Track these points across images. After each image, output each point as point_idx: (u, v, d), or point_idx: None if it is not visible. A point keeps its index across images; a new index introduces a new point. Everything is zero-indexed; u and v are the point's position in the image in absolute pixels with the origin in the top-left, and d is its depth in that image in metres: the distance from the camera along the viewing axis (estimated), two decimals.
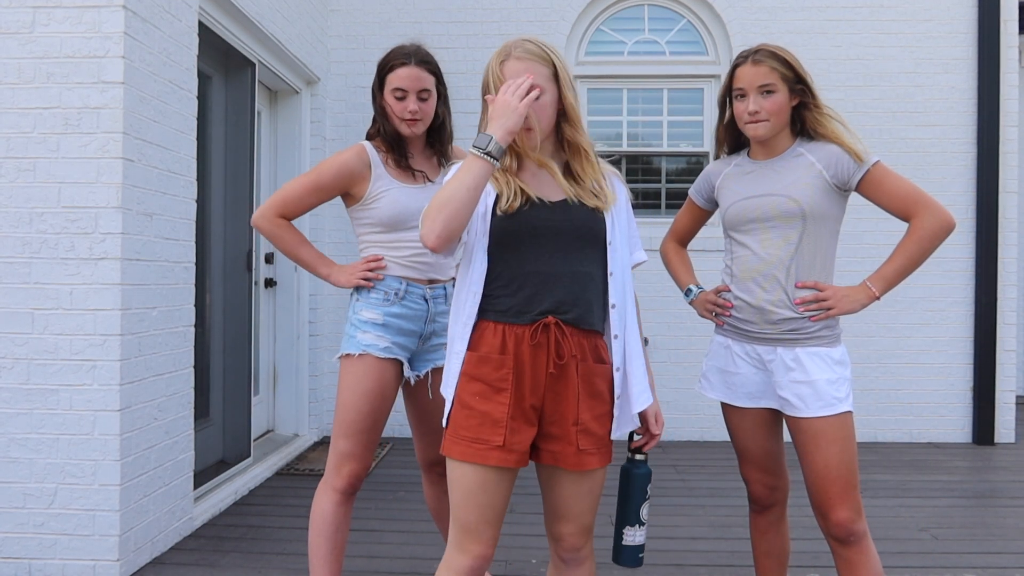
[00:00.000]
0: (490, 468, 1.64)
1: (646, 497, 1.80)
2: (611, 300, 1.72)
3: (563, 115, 1.73)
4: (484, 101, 1.72)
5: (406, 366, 2.30)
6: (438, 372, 2.35)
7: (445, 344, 2.36)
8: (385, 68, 2.28)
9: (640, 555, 1.82)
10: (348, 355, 2.25)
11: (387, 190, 2.25)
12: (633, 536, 1.80)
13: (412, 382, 2.34)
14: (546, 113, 1.69)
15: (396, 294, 2.26)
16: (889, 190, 1.98)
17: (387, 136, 2.29)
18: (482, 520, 1.66)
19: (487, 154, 1.58)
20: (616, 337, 1.72)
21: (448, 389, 1.72)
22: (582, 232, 1.69)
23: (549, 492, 1.75)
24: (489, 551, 1.68)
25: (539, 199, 1.69)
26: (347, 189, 2.28)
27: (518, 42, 1.71)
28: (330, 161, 2.26)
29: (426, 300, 2.29)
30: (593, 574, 1.80)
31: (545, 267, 1.67)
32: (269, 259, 4.68)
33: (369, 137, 2.35)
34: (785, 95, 2.02)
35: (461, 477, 1.66)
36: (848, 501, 1.94)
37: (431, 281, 2.31)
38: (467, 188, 1.56)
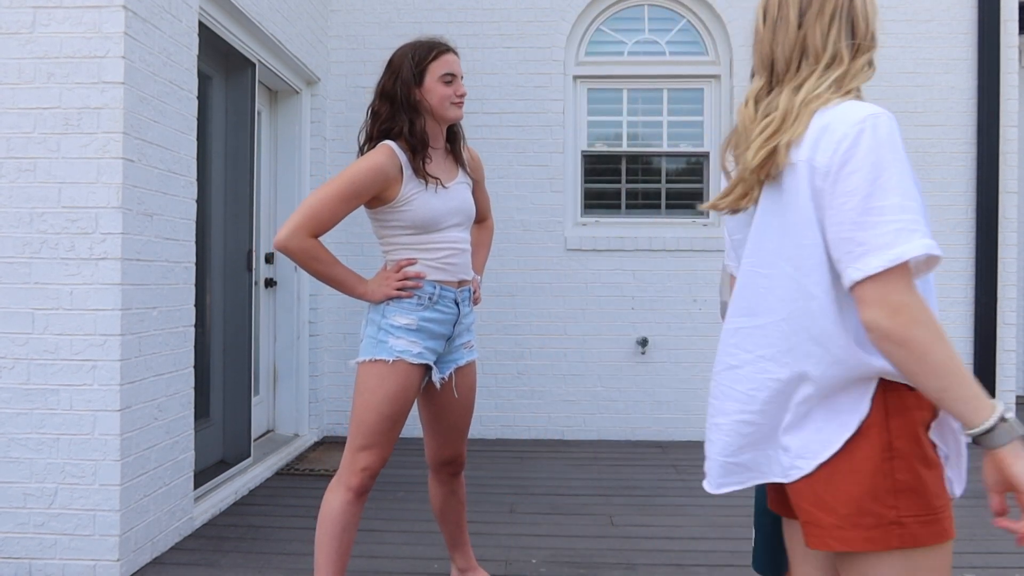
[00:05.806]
0: None
1: None
2: None
3: None
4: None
5: (434, 370, 2.27)
6: (461, 372, 2.34)
7: (467, 343, 2.35)
8: (427, 58, 2.19)
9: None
10: (378, 360, 2.17)
11: (418, 192, 2.18)
12: None
13: (439, 386, 2.29)
14: None
15: (430, 298, 2.20)
16: None
17: (417, 135, 2.17)
18: None
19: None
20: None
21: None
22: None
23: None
24: None
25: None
26: (380, 193, 2.16)
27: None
28: (361, 166, 2.12)
29: (457, 304, 2.26)
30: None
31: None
32: (269, 259, 4.68)
33: (373, 139, 2.23)
34: None
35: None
36: None
37: (460, 282, 2.28)
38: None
